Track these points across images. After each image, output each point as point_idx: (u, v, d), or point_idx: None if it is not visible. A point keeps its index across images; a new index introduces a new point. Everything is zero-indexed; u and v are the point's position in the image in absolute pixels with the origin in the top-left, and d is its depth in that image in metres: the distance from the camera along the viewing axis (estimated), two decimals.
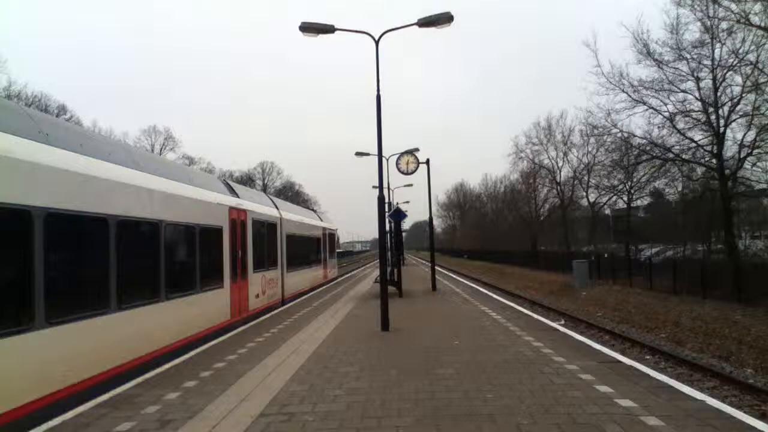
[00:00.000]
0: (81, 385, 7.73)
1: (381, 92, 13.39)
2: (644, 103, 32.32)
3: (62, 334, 7.40)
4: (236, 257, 15.17)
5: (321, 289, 26.90)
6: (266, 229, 18.76)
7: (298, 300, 21.26)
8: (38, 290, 6.95)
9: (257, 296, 17.17)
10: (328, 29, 13.35)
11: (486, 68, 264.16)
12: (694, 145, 31.10)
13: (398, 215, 22.89)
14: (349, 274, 42.26)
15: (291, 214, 23.92)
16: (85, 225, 8.35)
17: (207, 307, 12.98)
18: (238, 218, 15.53)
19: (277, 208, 21.63)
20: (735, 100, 28.91)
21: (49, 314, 7.10)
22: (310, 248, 27.54)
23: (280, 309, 18.39)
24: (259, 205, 18.63)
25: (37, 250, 7.00)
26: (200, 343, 11.70)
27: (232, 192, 16.44)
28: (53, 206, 7.40)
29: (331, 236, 33.99)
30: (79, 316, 7.85)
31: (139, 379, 8.47)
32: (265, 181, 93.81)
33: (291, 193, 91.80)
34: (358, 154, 30.36)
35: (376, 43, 13.57)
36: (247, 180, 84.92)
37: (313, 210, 38.44)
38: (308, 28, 13.27)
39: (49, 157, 7.56)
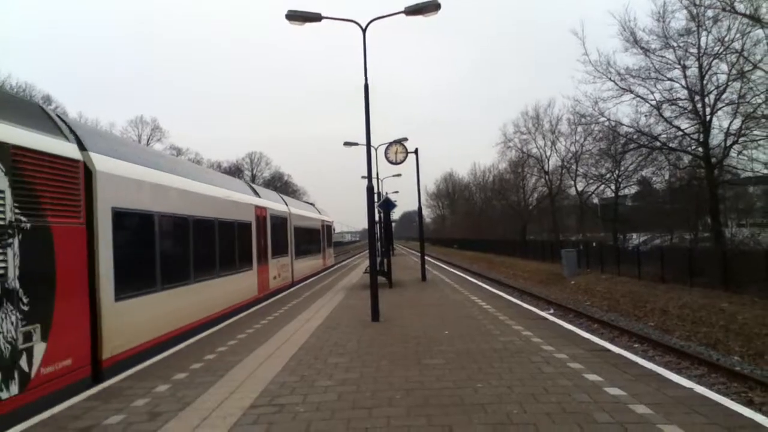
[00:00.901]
0: (180, 330, 11.51)
1: (369, 82, 13.32)
2: (631, 92, 32.42)
3: (170, 295, 11.34)
4: (260, 246, 18.73)
5: (318, 276, 28.93)
6: (279, 222, 22.14)
7: (302, 284, 24.08)
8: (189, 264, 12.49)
9: (274, 278, 20.91)
10: (314, 17, 13.27)
11: (475, 58, 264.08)
12: (680, 133, 31.27)
13: (387, 205, 22.87)
14: (339, 265, 42.23)
15: (297, 210, 27.53)
16: (181, 224, 12.21)
17: (242, 284, 16.69)
18: (260, 214, 19.06)
19: (286, 204, 25.00)
20: (721, 89, 29.06)
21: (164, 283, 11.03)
22: (313, 239, 31.32)
23: (291, 290, 21.88)
24: (274, 203, 22.28)
25: (188, 239, 12.54)
26: (237, 312, 14.98)
27: (255, 193, 20.42)
28: (196, 214, 12.94)
29: (328, 227, 37.94)
30: (178, 284, 11.76)
31: (129, 372, 8.44)
32: (254, 172, 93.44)
33: (279, 184, 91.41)
34: (347, 144, 30.31)
35: (363, 31, 13.49)
36: (235, 171, 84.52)
37: (312, 204, 41.63)
38: (294, 16, 13.17)
39: (179, 183, 12.37)
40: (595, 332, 15.03)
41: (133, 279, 9.77)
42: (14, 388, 6.50)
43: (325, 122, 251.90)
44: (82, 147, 8.60)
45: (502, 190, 74.36)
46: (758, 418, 5.62)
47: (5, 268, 6.48)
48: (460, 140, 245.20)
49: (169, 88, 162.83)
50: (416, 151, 24.56)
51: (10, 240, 6.61)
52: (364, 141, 13.87)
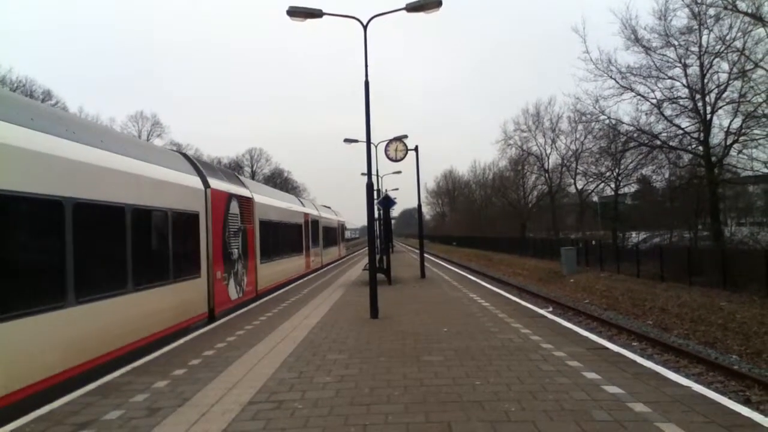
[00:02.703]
0: (282, 281, 21.97)
1: (370, 79, 13.33)
2: (632, 90, 32.34)
3: (281, 262, 22.26)
4: (307, 239, 28.88)
5: (321, 270, 32.79)
6: (312, 223, 30.97)
7: (311, 276, 26.47)
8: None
9: (313, 261, 30.85)
10: (316, 14, 13.24)
11: (476, 56, 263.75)
12: (681, 132, 31.22)
13: (387, 202, 22.86)
14: (324, 268, 42.26)
15: (325, 214, 38.68)
16: (288, 222, 24.19)
17: (299, 262, 26.95)
18: (306, 219, 29.06)
19: (317, 210, 35.60)
20: (722, 87, 29.01)
21: (277, 256, 21.47)
22: (334, 236, 42.87)
23: (321, 270, 31.85)
24: (311, 210, 32.90)
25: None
26: (294, 281, 24.13)
27: (301, 203, 31.46)
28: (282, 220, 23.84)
29: (342, 226, 50.15)
30: (285, 256, 23.38)
31: (128, 367, 8.44)
32: (254, 168, 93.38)
33: (279, 180, 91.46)
34: (347, 140, 30.29)
35: (365, 27, 13.49)
36: (235, 167, 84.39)
37: (328, 207, 46.64)
38: (296, 12, 13.15)
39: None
40: (593, 330, 15.04)
41: (268, 253, 19.89)
42: (240, 293, 16.16)
43: (325, 119, 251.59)
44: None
45: (502, 188, 74.30)
46: (756, 416, 5.63)
47: (239, 245, 16.18)
48: (461, 138, 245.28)
49: (170, 83, 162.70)
50: (416, 149, 24.56)
51: (239, 233, 16.22)
52: (364, 138, 13.87)
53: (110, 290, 8.95)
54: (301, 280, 24.67)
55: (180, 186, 12.39)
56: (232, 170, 61.95)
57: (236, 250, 16.03)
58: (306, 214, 29.04)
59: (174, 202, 11.80)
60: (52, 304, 7.40)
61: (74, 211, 7.94)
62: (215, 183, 14.67)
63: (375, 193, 16.79)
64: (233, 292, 15.60)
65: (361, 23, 13.53)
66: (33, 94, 52.18)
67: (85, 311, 8.16)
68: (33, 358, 7.06)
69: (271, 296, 18.37)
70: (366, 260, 14.95)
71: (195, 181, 13.47)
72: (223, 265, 14.70)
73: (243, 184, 18.32)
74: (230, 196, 15.72)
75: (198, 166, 14.45)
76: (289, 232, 24.41)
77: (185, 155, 15.08)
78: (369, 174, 13.63)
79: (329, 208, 45.84)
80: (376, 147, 29.95)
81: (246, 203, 17.31)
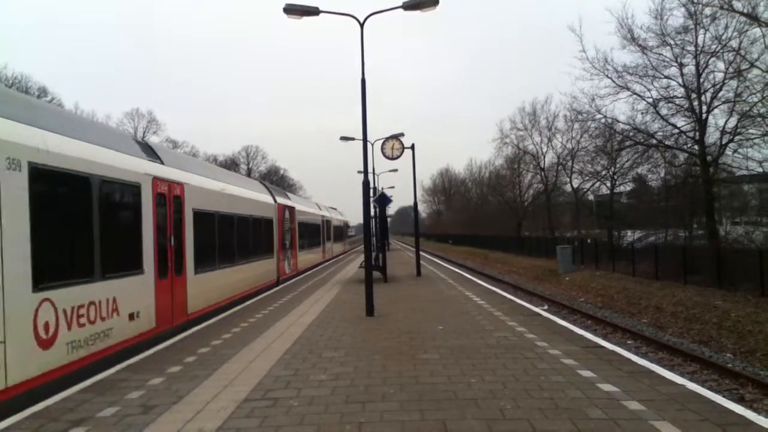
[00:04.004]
0: (309, 267, 30.09)
1: (367, 77, 13.34)
2: (628, 89, 32.26)
3: (307, 252, 30.98)
4: (323, 236, 37.63)
5: (332, 260, 40.84)
6: (326, 223, 39.88)
7: (305, 274, 27.40)
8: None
9: (326, 253, 39.15)
10: (312, 11, 13.23)
11: (474, 54, 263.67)
12: (676, 131, 31.21)
13: (383, 200, 22.89)
14: (334, 259, 42.32)
15: (335, 215, 48.39)
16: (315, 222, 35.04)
17: (319, 253, 35.21)
18: (323, 220, 37.92)
19: (329, 212, 44.09)
20: (717, 87, 28.98)
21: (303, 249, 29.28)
22: (341, 233, 53.35)
23: (332, 260, 40.52)
24: (326, 213, 41.68)
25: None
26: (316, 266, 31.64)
27: (318, 207, 39.65)
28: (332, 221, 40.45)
29: (347, 225, 61.31)
30: (311, 249, 32.75)
31: (123, 364, 8.44)
32: (250, 166, 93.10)
33: (276, 178, 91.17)
34: (343, 138, 30.31)
35: (361, 25, 13.50)
36: (231, 164, 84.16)
37: (335, 209, 54.98)
38: (292, 9, 13.13)
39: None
40: (588, 328, 15.07)
41: (303, 245, 27.53)
42: (289, 270, 24.40)
43: (322, 117, 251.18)
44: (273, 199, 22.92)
45: (498, 186, 74.21)
46: (749, 414, 5.67)
47: (289, 239, 24.38)
48: (457, 136, 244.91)
49: (166, 80, 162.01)
50: (413, 147, 24.56)
51: (288, 231, 24.25)
52: (360, 136, 13.87)
53: (239, 261, 16.73)
54: (321, 266, 33.83)
55: (264, 203, 21.05)
56: (228, 168, 64.88)
57: (287, 242, 24.65)
58: (323, 217, 38.88)
59: (262, 212, 20.19)
60: (213, 267, 14.47)
61: (219, 218, 15.00)
62: (278, 199, 23.67)
63: (371, 191, 16.80)
64: (287, 269, 24.30)
65: (358, 21, 13.54)
66: (29, 90, 51.95)
67: (230, 271, 15.98)
68: (212, 291, 14.30)
69: (304, 275, 26.65)
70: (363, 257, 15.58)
71: (269, 199, 22.21)
72: (282, 251, 23.13)
73: (288, 197, 28.11)
74: (284, 207, 24.36)
75: (269, 188, 24.26)
76: (314, 230, 34.33)
77: (263, 183, 26.57)
78: (365, 172, 13.62)
79: (336, 209, 55.07)
80: (372, 145, 29.92)
81: (291, 211, 25.78)
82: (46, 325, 7.35)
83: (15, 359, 6.70)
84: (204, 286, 13.59)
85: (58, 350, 7.61)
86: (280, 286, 20.82)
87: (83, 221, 8.54)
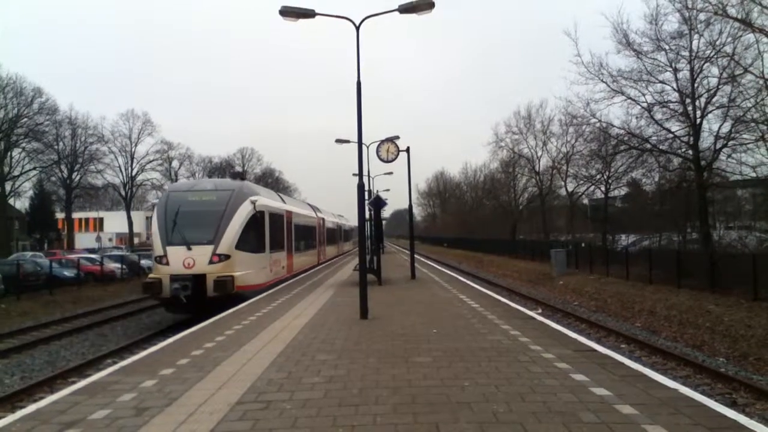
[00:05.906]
0: (334, 256, 47.59)
1: (362, 80, 13.37)
2: (623, 94, 32.41)
3: (331, 246, 46.66)
4: (338, 238, 52.39)
5: (341, 255, 52.08)
6: (339, 227, 53.49)
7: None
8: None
9: (338, 250, 52.10)
10: (308, 14, 13.24)
11: (470, 58, 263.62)
12: (671, 135, 31.35)
13: (378, 203, 22.87)
14: (328, 261, 42.28)
15: (344, 221, 60.37)
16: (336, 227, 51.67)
17: (336, 249, 50.11)
18: (338, 225, 52.83)
19: (340, 219, 56.13)
20: (711, 92, 29.14)
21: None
22: (348, 236, 63.33)
23: (340, 255, 51.47)
24: (339, 220, 55.53)
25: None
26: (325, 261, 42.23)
27: (333, 215, 52.19)
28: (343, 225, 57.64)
29: (352, 228, 65.80)
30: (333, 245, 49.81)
31: (116, 367, 8.41)
32: (245, 168, 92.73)
33: (271, 180, 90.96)
34: (338, 141, 30.31)
35: (357, 28, 13.50)
36: (226, 166, 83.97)
37: (341, 216, 64.36)
38: (288, 12, 13.14)
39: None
40: (582, 332, 15.10)
41: (328, 243, 43.39)
42: (323, 259, 39.60)
43: (317, 119, 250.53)
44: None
45: (493, 190, 74.48)
46: (741, 419, 5.67)
47: (322, 239, 39.47)
48: (452, 140, 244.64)
49: (161, 82, 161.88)
50: (408, 150, 24.56)
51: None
52: (356, 138, 13.95)
53: (307, 249, 32.17)
54: (332, 260, 43.54)
55: (313, 216, 35.74)
56: (223, 170, 67.71)
57: (323, 240, 39.32)
58: (336, 223, 52.80)
59: (312, 223, 34.17)
60: (300, 252, 29.29)
61: (295, 225, 27.53)
62: (319, 213, 38.61)
63: (366, 193, 16.79)
64: (323, 258, 38.56)
65: (354, 24, 13.53)
66: (23, 91, 51.83)
67: (303, 254, 30.74)
68: (299, 264, 28.37)
69: (327, 263, 38.86)
70: (352, 264, 17.53)
71: (314, 213, 36.98)
72: (321, 246, 37.90)
73: (320, 210, 41.04)
74: (321, 219, 39.03)
75: (312, 206, 40.23)
76: (334, 233, 48.42)
77: (309, 204, 40.75)
78: (360, 175, 13.63)
79: (342, 216, 65.61)
80: (367, 148, 29.98)
81: (321, 220, 39.16)
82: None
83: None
84: (298, 260, 27.67)
85: (273, 273, 21.98)
86: (321, 266, 36.00)
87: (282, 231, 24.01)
